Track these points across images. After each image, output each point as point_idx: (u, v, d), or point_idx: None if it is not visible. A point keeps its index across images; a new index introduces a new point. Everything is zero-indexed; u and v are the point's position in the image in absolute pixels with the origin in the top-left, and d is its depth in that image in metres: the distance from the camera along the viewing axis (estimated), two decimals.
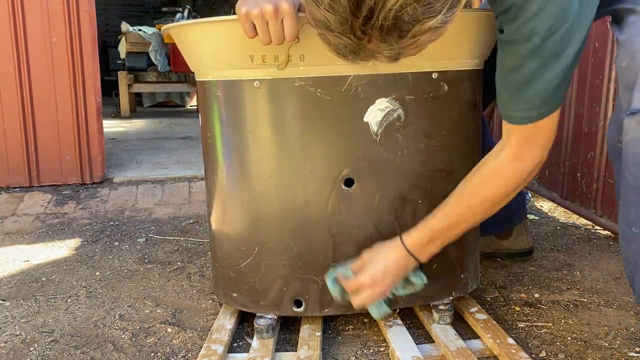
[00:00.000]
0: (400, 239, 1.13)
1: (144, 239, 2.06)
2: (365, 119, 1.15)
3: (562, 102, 1.02)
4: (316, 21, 0.80)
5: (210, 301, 1.50)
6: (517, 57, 0.97)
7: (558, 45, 0.94)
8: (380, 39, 0.75)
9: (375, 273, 1.10)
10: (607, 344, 1.23)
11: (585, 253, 1.81)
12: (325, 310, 1.24)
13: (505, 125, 1.05)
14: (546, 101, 0.99)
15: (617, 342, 1.24)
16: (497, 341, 1.18)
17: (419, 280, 1.17)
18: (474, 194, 1.09)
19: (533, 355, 1.19)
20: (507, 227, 1.70)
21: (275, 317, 1.26)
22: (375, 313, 1.16)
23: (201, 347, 1.21)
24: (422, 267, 1.17)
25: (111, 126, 4.82)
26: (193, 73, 1.31)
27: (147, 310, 1.45)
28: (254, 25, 0.99)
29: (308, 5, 0.80)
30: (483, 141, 1.59)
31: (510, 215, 1.68)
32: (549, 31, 0.92)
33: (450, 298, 1.30)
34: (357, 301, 1.13)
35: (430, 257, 1.14)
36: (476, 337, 1.25)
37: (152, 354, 1.23)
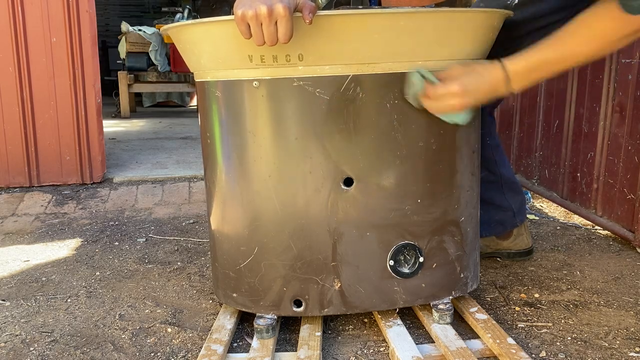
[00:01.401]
0: (501, 62, 1.12)
1: (144, 239, 2.06)
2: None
3: None
4: None
5: (210, 301, 1.50)
6: None
7: None
8: None
9: (468, 84, 1.10)
10: (607, 344, 1.23)
11: (585, 253, 1.81)
12: (325, 310, 1.24)
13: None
14: None
15: (617, 342, 1.24)
16: (497, 341, 1.18)
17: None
18: (594, 26, 1.08)
19: (533, 355, 1.19)
20: (508, 228, 1.70)
21: (275, 317, 1.26)
22: (460, 119, 1.15)
23: (201, 347, 1.21)
24: (422, 265, 1.17)
25: (111, 126, 4.82)
26: (193, 73, 1.31)
27: (147, 310, 1.45)
28: (249, 27, 1.00)
29: None
30: (491, 139, 1.60)
31: (512, 217, 1.68)
32: None
33: (450, 298, 1.30)
34: (439, 106, 1.12)
35: (522, 89, 1.14)
36: (476, 337, 1.25)
37: (152, 354, 1.23)
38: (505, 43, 1.29)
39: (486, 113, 1.58)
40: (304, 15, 1.01)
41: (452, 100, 1.11)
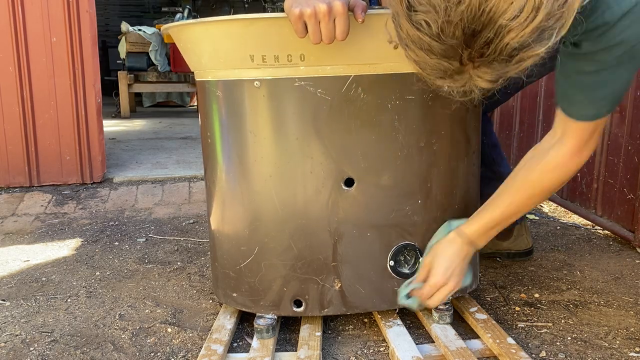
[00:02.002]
0: (457, 232, 1.17)
1: (144, 239, 2.06)
2: None
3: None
4: (412, 43, 0.77)
5: (210, 301, 1.50)
6: (600, 63, 0.97)
7: None
8: (487, 66, 0.75)
9: (444, 271, 1.15)
10: (607, 344, 1.23)
11: (585, 253, 1.81)
12: (325, 310, 1.24)
13: (568, 122, 1.07)
14: (618, 99, 1.03)
15: (617, 342, 1.24)
16: (497, 341, 1.18)
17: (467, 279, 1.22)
18: (536, 185, 1.13)
19: (533, 355, 1.19)
20: (510, 227, 1.70)
21: (275, 317, 1.26)
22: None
23: (201, 347, 1.21)
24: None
25: (111, 126, 4.82)
26: (193, 73, 1.31)
27: (147, 310, 1.45)
28: (306, 25, 1.00)
29: (402, 24, 0.77)
30: (487, 138, 1.60)
31: None
32: (637, 40, 0.93)
33: (450, 298, 1.30)
34: (436, 300, 1.17)
35: (486, 242, 1.20)
36: (476, 337, 1.25)
37: (152, 354, 1.23)
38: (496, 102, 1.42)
39: (484, 113, 1.58)
40: (356, 15, 1.01)
41: (441, 291, 1.17)
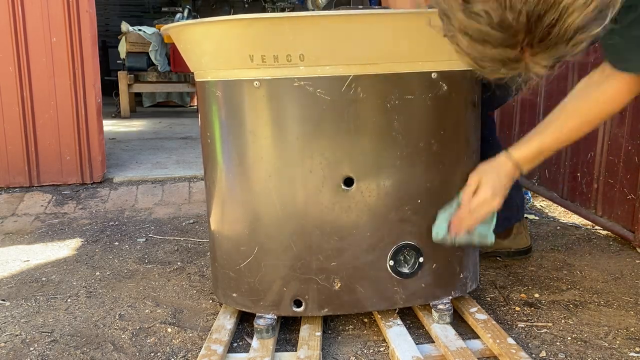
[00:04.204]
0: (508, 153, 1.16)
1: (144, 239, 2.06)
2: None
3: None
4: (469, 33, 0.76)
5: (210, 301, 1.50)
6: None
7: None
8: (545, 51, 0.75)
9: (493, 185, 1.15)
10: (607, 344, 1.23)
11: (585, 253, 1.81)
12: (325, 310, 1.24)
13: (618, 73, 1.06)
14: None
15: (617, 342, 1.24)
16: (497, 341, 1.18)
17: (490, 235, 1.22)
18: (590, 112, 1.13)
19: (533, 355, 1.19)
20: (514, 222, 1.71)
21: (275, 317, 1.26)
22: (490, 227, 1.21)
23: (201, 347, 1.21)
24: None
25: (111, 126, 4.82)
26: (193, 73, 1.31)
27: (147, 310, 1.45)
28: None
29: (457, 17, 0.76)
30: (491, 139, 1.60)
31: (516, 212, 1.69)
32: None
33: (450, 298, 1.30)
34: (476, 217, 1.17)
35: (531, 169, 1.20)
36: (476, 337, 1.25)
37: (152, 354, 1.23)
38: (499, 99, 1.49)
39: (486, 113, 1.58)
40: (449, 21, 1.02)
41: (487, 206, 1.16)
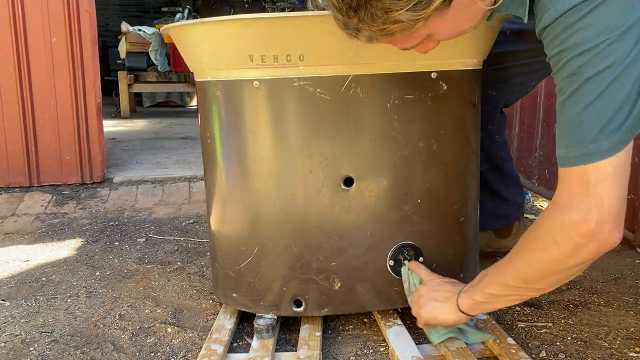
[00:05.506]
0: (458, 297, 1.09)
1: (144, 239, 2.06)
2: None
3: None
4: (327, 4, 0.90)
5: (210, 301, 1.50)
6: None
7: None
8: (359, 19, 0.85)
9: (426, 312, 1.14)
10: (607, 344, 1.23)
11: None
12: (325, 310, 1.24)
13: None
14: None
15: (617, 342, 1.24)
16: (497, 341, 1.18)
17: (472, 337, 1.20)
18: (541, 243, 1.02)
19: (533, 355, 1.19)
20: (512, 221, 1.71)
21: (275, 317, 1.26)
22: (434, 337, 1.19)
23: (201, 347, 1.21)
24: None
25: (111, 126, 4.82)
26: (193, 73, 1.31)
27: (147, 310, 1.45)
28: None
29: None
30: (498, 137, 1.60)
31: (516, 210, 1.69)
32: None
33: None
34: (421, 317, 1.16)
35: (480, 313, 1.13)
36: None
37: (152, 354, 1.23)
38: (497, 82, 1.46)
39: (499, 110, 1.58)
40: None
41: (419, 324, 1.17)
